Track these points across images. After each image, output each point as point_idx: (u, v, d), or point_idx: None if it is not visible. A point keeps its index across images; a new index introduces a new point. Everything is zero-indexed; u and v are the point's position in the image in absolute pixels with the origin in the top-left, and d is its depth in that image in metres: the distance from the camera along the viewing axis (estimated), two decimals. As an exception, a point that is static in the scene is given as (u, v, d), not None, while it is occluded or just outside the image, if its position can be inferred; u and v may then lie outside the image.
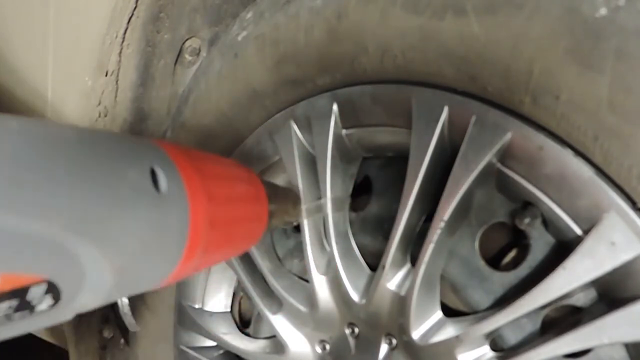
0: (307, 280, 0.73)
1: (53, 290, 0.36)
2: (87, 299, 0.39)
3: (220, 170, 0.56)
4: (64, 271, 0.37)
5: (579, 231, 0.49)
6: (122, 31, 0.84)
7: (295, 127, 0.70)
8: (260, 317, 0.87)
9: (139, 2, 0.81)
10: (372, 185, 0.72)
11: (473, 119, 0.52)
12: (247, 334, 0.91)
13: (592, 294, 0.53)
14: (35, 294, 0.35)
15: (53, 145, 0.37)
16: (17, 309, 0.34)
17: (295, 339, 0.77)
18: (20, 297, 0.34)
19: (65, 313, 0.39)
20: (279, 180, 0.77)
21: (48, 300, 0.36)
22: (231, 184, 0.57)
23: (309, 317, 0.74)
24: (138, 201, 0.42)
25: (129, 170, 0.42)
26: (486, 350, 0.57)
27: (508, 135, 0.50)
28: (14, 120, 0.37)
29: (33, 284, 0.34)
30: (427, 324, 0.60)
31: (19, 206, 0.33)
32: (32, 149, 0.35)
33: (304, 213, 0.70)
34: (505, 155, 0.52)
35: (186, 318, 0.91)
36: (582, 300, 0.53)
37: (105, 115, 0.93)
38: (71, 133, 0.41)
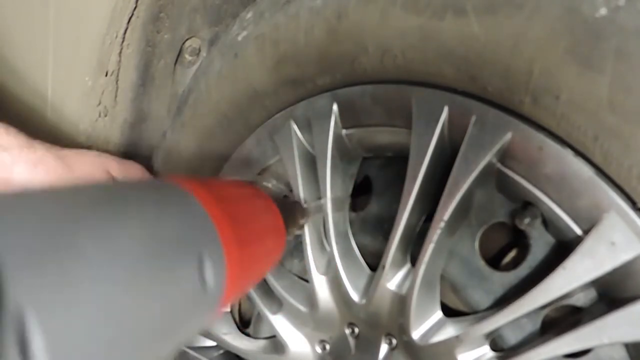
0: (307, 280, 0.73)
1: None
2: None
3: (249, 210, 0.53)
4: None
5: (579, 231, 0.49)
6: (122, 31, 0.84)
7: (295, 127, 0.70)
8: (260, 317, 0.87)
9: (139, 2, 0.81)
10: (372, 185, 0.72)
11: (473, 119, 0.52)
12: (247, 334, 0.91)
13: (592, 294, 0.53)
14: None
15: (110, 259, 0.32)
16: None
17: (295, 339, 0.77)
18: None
19: None
20: (279, 180, 0.77)
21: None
22: (256, 216, 0.54)
23: (309, 317, 0.74)
24: (184, 305, 0.39)
25: (179, 267, 0.38)
26: (486, 350, 0.57)
27: (508, 135, 0.50)
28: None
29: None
30: (427, 324, 0.60)
31: None
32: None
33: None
34: (505, 155, 0.52)
35: (186, 318, 0.91)
36: (582, 300, 0.53)
37: (105, 115, 0.93)
38: (129, 235, 0.35)
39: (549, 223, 0.54)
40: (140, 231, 0.36)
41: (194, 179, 0.47)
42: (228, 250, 0.43)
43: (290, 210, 0.66)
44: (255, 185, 0.65)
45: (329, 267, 0.69)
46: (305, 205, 0.70)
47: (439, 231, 0.55)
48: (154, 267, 0.35)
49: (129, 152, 0.98)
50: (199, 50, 0.90)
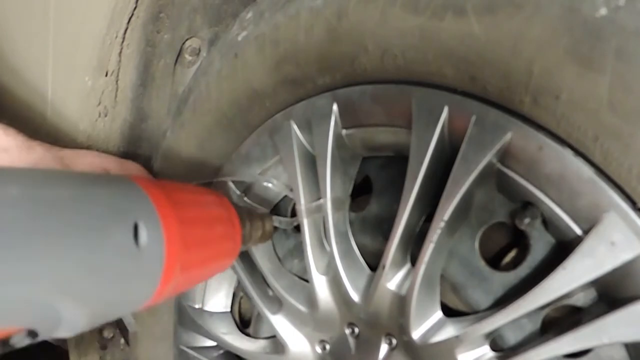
0: (307, 280, 0.73)
1: (32, 333, 0.42)
2: (61, 334, 0.45)
3: (193, 198, 0.61)
4: (43, 320, 0.42)
5: (579, 231, 0.49)
6: (122, 31, 0.84)
7: (295, 127, 0.70)
8: (260, 317, 0.87)
9: (139, 2, 0.81)
10: (372, 185, 0.72)
11: (473, 119, 0.52)
12: (247, 334, 0.91)
13: (592, 294, 0.53)
14: (16, 339, 0.41)
15: (43, 211, 0.41)
16: None
17: (295, 339, 0.77)
18: (2, 343, 0.40)
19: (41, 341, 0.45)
20: (279, 180, 0.77)
21: (26, 340, 0.42)
22: (203, 209, 0.61)
23: (309, 317, 0.74)
24: (119, 259, 0.46)
25: (113, 229, 0.46)
26: (486, 350, 0.57)
27: (508, 135, 0.50)
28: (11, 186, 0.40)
29: (16, 333, 0.41)
30: (427, 324, 0.60)
31: (9, 274, 0.37)
32: (22, 216, 0.39)
33: (303, 213, 0.70)
34: (505, 155, 0.52)
35: (186, 318, 0.91)
36: (582, 300, 0.53)
37: (105, 115, 0.93)
38: (60, 191, 0.44)
39: (549, 223, 0.54)
40: (77, 194, 0.45)
41: (143, 176, 0.55)
42: (165, 222, 0.51)
43: (254, 216, 0.71)
44: (217, 192, 0.71)
45: (329, 267, 0.69)
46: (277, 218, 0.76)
47: (439, 231, 0.55)
48: (84, 220, 0.44)
49: (129, 152, 0.98)
50: (199, 50, 0.90)
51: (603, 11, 0.42)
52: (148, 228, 0.49)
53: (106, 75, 0.88)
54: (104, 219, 0.46)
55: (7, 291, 0.37)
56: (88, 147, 0.96)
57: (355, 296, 0.66)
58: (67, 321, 0.43)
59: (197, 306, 0.92)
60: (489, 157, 0.51)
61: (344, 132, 0.67)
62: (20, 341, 0.41)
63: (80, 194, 0.46)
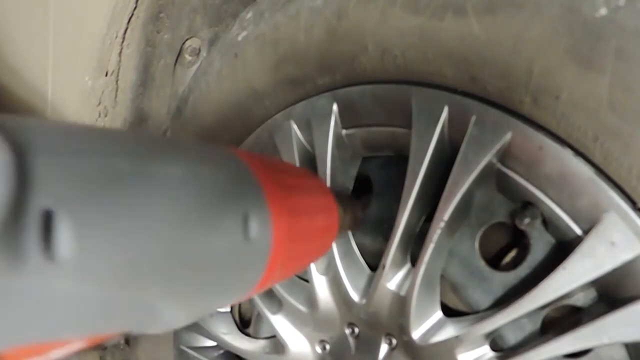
0: (307, 280, 0.73)
1: (128, 335, 0.37)
2: (154, 331, 0.40)
3: (300, 183, 0.55)
4: (142, 321, 0.37)
5: (579, 231, 0.49)
6: (122, 31, 0.84)
7: (295, 127, 0.70)
8: (260, 317, 0.87)
9: (139, 2, 0.81)
10: (372, 185, 0.72)
11: (473, 119, 0.52)
12: (247, 334, 0.91)
13: (592, 294, 0.53)
14: (111, 343, 0.36)
15: (152, 192, 0.35)
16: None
17: (295, 339, 0.77)
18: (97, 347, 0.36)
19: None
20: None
21: (119, 339, 0.37)
22: (310, 197, 0.56)
23: (309, 317, 0.74)
24: (226, 254, 0.41)
25: (223, 221, 0.41)
26: (486, 350, 0.57)
27: (508, 135, 0.50)
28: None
29: (113, 337, 0.36)
30: (427, 324, 0.60)
31: (116, 278, 0.33)
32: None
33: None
34: (505, 155, 0.52)
35: (186, 318, 0.91)
36: (582, 300, 0.53)
37: (105, 115, 0.93)
38: (169, 170, 0.38)
39: (549, 223, 0.54)
40: (188, 176, 0.39)
41: (249, 152, 0.50)
42: (276, 213, 0.46)
43: (347, 201, 0.66)
44: (315, 174, 0.65)
45: (329, 267, 0.69)
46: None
47: (439, 231, 0.55)
48: (195, 210, 0.38)
49: (129, 152, 0.98)
50: (199, 50, 0.90)
51: (603, 11, 0.42)
52: (258, 219, 0.43)
53: (106, 75, 0.88)
54: (215, 208, 0.40)
55: (114, 296, 0.33)
56: (88, 147, 0.96)
57: (355, 296, 0.66)
58: (165, 319, 0.39)
59: (197, 306, 0.92)
60: (489, 157, 0.51)
61: (344, 132, 0.67)
62: (112, 343, 0.38)
63: (189, 174, 0.39)
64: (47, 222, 0.28)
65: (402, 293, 0.61)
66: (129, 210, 0.33)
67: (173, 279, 0.37)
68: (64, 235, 0.29)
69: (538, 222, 0.54)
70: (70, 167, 0.30)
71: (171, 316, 0.39)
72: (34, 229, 0.28)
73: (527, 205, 0.55)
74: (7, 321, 0.28)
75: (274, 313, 0.78)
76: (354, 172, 0.71)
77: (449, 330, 0.58)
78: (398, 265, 0.62)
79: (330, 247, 0.64)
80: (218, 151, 0.46)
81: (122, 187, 0.33)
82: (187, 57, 0.90)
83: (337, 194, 0.63)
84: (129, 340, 1.13)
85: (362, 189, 0.74)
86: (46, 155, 0.29)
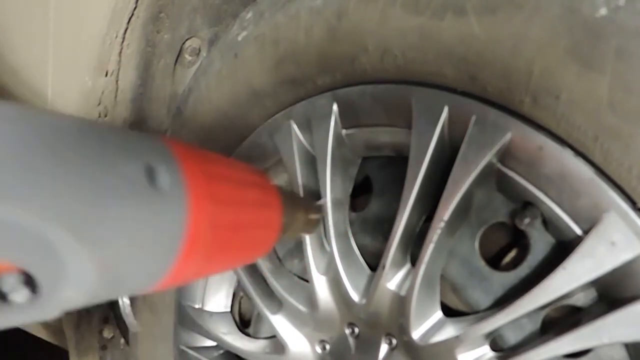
0: (307, 280, 0.73)
1: (30, 282, 0.36)
2: (70, 294, 0.38)
3: (230, 173, 0.54)
4: (40, 262, 0.36)
5: (579, 231, 0.49)
6: (122, 31, 0.84)
7: (295, 127, 0.70)
8: (260, 317, 0.87)
9: (139, 2, 0.81)
10: (372, 185, 0.72)
11: (473, 119, 0.52)
12: (247, 334, 0.91)
13: (592, 294, 0.53)
14: (8, 282, 0.35)
15: (45, 134, 0.36)
16: None
17: (295, 339, 0.77)
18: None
19: (49, 309, 0.38)
20: (279, 179, 0.77)
21: (25, 292, 0.36)
22: (240, 188, 0.55)
23: (309, 317, 0.74)
24: (128, 195, 0.40)
25: (122, 163, 0.40)
26: (486, 350, 0.57)
27: (508, 135, 0.50)
28: (9, 107, 0.36)
29: (5, 271, 0.34)
30: (427, 324, 0.60)
31: None
32: (24, 136, 0.35)
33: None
34: (505, 155, 0.52)
35: (186, 318, 0.91)
36: (582, 300, 0.53)
37: (105, 115, 0.93)
38: (69, 123, 0.39)
39: (549, 223, 0.54)
40: (98, 142, 0.40)
41: (180, 141, 0.51)
42: (186, 165, 0.45)
43: (300, 203, 0.65)
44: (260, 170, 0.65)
45: (329, 267, 0.69)
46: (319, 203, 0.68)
47: (439, 231, 0.55)
48: (99, 158, 0.39)
49: (129, 152, 0.98)
50: (199, 50, 0.90)
51: (603, 11, 0.43)
52: (165, 171, 0.43)
53: (106, 75, 0.88)
54: (112, 154, 0.40)
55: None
56: (88, 147, 0.96)
57: (355, 296, 0.66)
58: (72, 271, 0.37)
59: (197, 306, 0.92)
60: (489, 157, 0.51)
61: (344, 132, 0.67)
62: (14, 287, 0.35)
63: (86, 128, 0.40)
64: None
65: (402, 293, 0.61)
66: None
67: (61, 201, 0.36)
68: None
69: (538, 222, 0.54)
70: None
71: (79, 269, 0.37)
72: None
73: (527, 205, 0.55)
74: None
75: (274, 313, 0.78)
76: (354, 172, 0.71)
77: (449, 330, 0.58)
78: (398, 265, 0.62)
79: (272, 245, 0.62)
80: (140, 134, 0.47)
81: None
82: (187, 57, 0.90)
83: (288, 194, 0.63)
84: (128, 340, 1.13)
85: (362, 189, 0.74)
86: None
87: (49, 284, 0.36)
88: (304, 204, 0.66)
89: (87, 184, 0.38)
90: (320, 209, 0.68)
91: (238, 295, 0.94)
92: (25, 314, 0.37)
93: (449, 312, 0.61)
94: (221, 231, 0.49)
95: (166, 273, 0.45)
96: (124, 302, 0.99)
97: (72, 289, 0.38)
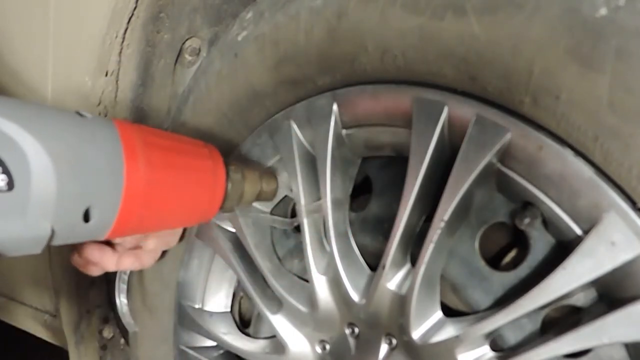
0: (307, 280, 0.73)
1: (2, 166, 0.43)
2: (40, 189, 0.46)
3: (165, 142, 0.62)
4: (7, 152, 0.44)
5: (579, 231, 0.49)
6: (122, 31, 0.84)
7: (295, 127, 0.70)
8: (260, 317, 0.87)
9: (139, 2, 0.81)
10: (372, 185, 0.72)
11: (473, 119, 0.52)
12: (247, 334, 0.91)
13: (592, 294, 0.53)
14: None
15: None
16: None
17: (295, 339, 0.77)
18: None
19: (31, 214, 0.46)
20: (279, 179, 0.77)
21: (3, 177, 0.43)
22: (173, 154, 0.62)
23: (309, 317, 0.74)
24: (76, 126, 0.52)
25: (78, 124, 0.53)
26: (486, 350, 0.57)
27: (508, 135, 0.50)
28: None
29: None
30: (427, 324, 0.60)
31: None
32: None
33: (303, 213, 0.70)
34: (505, 155, 0.52)
35: (186, 318, 0.91)
36: (582, 300, 0.53)
37: (105, 115, 0.93)
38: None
39: (549, 223, 0.54)
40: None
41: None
42: (125, 138, 0.56)
43: (252, 170, 0.71)
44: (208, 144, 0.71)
45: (329, 267, 0.69)
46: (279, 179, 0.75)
47: (439, 231, 0.55)
48: None
49: (129, 152, 0.98)
50: (199, 50, 0.90)
51: (603, 11, 0.43)
52: (106, 136, 0.54)
53: (106, 75, 0.88)
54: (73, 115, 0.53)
55: None
56: (88, 147, 0.95)
57: (355, 296, 0.66)
58: (34, 163, 0.45)
59: (197, 306, 0.92)
60: (489, 157, 0.51)
61: (344, 132, 0.67)
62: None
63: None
64: None
65: (402, 293, 0.61)
66: None
67: (27, 111, 0.47)
68: None
69: (538, 222, 0.55)
70: None
71: (36, 155, 0.46)
72: None
73: (527, 205, 0.55)
74: None
75: (274, 313, 0.78)
76: (354, 172, 0.71)
77: (449, 330, 0.58)
78: (398, 265, 0.62)
79: (214, 209, 0.67)
80: (101, 117, 0.58)
81: None
82: (187, 57, 0.90)
83: (240, 166, 0.70)
84: (128, 341, 1.13)
85: (362, 189, 0.74)
86: None
87: (20, 177, 0.45)
88: (257, 175, 0.72)
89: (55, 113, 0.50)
90: (276, 180, 0.74)
91: (238, 295, 0.94)
92: (10, 220, 0.45)
93: (449, 312, 0.61)
94: (155, 186, 0.58)
95: (117, 208, 0.54)
96: (121, 302, 0.99)
97: (39, 180, 0.46)
